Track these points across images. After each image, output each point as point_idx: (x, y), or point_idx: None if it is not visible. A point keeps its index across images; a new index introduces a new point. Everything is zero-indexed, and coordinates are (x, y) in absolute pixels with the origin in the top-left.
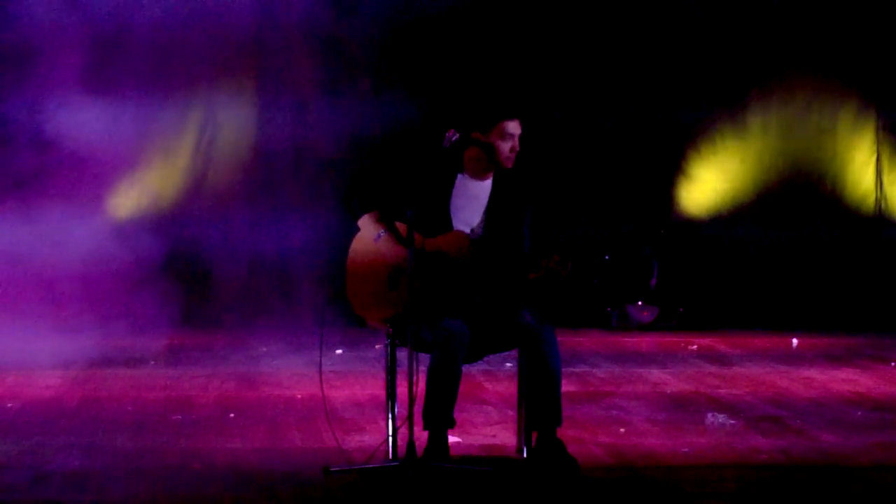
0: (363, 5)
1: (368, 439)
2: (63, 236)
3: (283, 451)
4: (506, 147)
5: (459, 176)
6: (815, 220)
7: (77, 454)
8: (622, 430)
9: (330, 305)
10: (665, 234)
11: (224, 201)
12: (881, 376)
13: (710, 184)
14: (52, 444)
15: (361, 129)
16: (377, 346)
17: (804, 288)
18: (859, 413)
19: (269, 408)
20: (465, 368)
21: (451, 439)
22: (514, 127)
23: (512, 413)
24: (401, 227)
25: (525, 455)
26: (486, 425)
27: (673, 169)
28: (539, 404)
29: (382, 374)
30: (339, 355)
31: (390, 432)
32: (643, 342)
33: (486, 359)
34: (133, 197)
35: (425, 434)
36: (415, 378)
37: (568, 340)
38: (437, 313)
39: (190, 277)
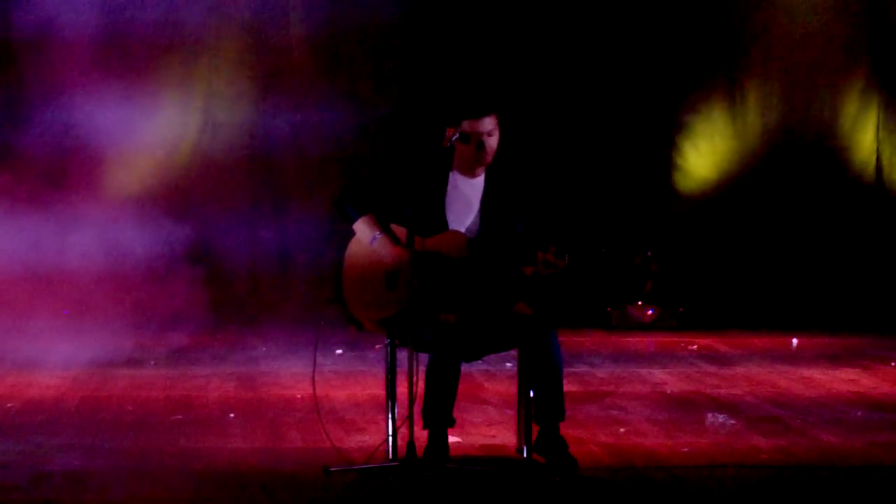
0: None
1: (368, 439)
2: (63, 236)
3: (283, 451)
4: (480, 141)
5: (451, 174)
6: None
7: (77, 454)
8: (622, 430)
9: (328, 306)
10: (655, 236)
11: (224, 201)
12: (881, 376)
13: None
14: (52, 444)
15: (361, 130)
16: (377, 347)
17: (805, 283)
18: (859, 413)
19: (269, 408)
20: (465, 368)
21: (451, 439)
22: (474, 124)
23: (512, 413)
24: (396, 229)
25: (525, 455)
26: (485, 425)
27: (666, 156)
28: (541, 398)
29: (382, 374)
30: (339, 355)
31: (390, 432)
32: (643, 342)
33: (485, 359)
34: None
35: (425, 434)
36: (415, 378)
37: (568, 340)
38: (435, 312)
39: (190, 277)
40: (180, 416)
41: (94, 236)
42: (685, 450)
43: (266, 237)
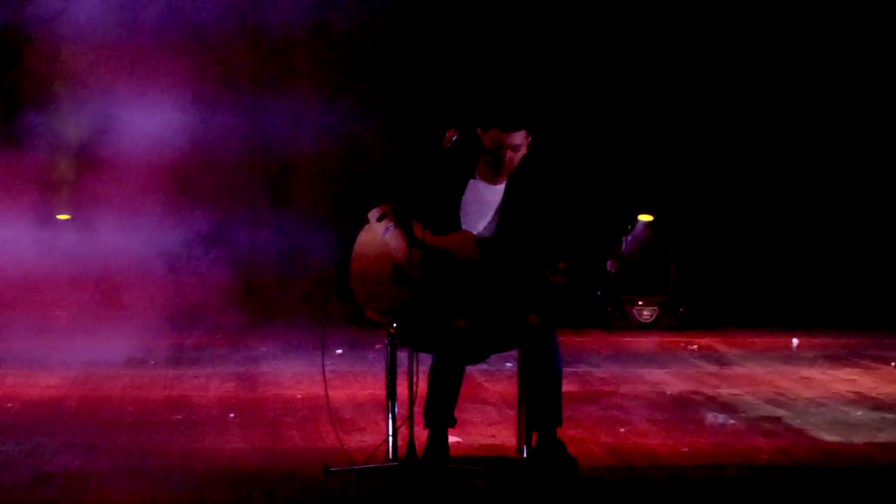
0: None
1: (368, 439)
2: (59, 238)
3: (283, 451)
4: (499, 154)
5: (472, 181)
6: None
7: (77, 454)
8: (622, 430)
9: (330, 303)
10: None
11: (224, 201)
12: (881, 376)
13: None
14: (52, 444)
15: (365, 131)
16: (377, 347)
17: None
18: (859, 413)
19: (269, 408)
20: (466, 369)
21: (451, 439)
22: (504, 136)
23: (512, 413)
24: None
25: (525, 455)
26: (486, 425)
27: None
28: (539, 404)
29: (382, 374)
30: (339, 355)
31: (390, 432)
32: (643, 342)
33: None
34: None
35: (425, 434)
36: (415, 378)
37: (568, 340)
38: (441, 313)
39: (190, 278)
40: (180, 416)
41: (93, 237)
42: (685, 450)
43: (266, 237)
